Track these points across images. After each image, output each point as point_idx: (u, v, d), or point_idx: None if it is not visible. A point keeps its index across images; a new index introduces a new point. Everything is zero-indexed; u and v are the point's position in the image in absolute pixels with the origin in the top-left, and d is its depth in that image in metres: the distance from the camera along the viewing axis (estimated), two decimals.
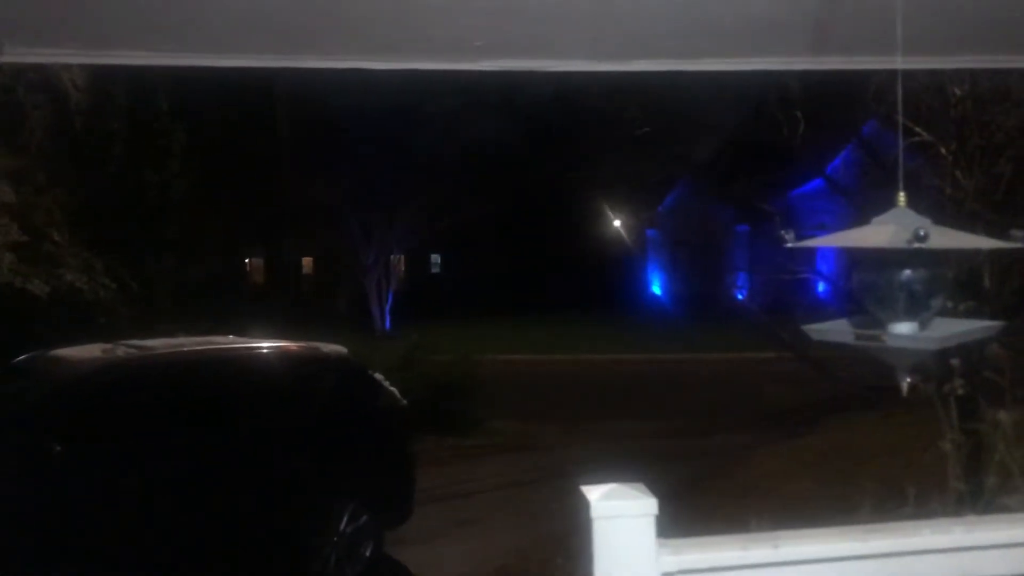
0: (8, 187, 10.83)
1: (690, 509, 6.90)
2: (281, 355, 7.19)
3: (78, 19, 2.50)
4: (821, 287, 15.07)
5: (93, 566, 5.87)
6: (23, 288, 10.61)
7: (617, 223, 30.72)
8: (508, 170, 28.56)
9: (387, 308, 27.99)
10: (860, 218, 2.12)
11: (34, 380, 6.54)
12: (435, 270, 36.18)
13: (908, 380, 2.02)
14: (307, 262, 33.47)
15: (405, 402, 7.73)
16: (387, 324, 27.57)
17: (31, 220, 11.33)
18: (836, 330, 2.09)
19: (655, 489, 1.89)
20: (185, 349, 7.11)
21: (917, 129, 6.73)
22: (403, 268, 33.22)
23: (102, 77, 12.63)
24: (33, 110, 12.06)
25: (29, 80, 11.55)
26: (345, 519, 6.87)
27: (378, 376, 7.75)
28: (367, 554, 6.94)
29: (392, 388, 7.70)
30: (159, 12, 2.48)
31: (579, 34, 2.77)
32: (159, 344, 7.18)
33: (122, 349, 6.78)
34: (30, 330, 10.21)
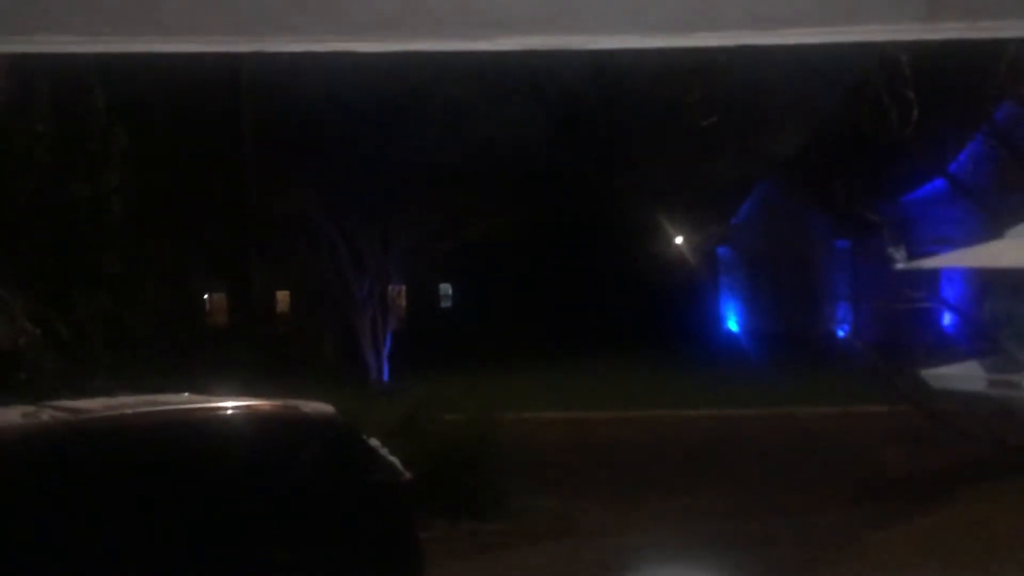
0: None
1: None
2: (249, 417, 7.23)
3: None
4: (947, 319, 14.96)
5: None
6: None
7: (679, 240, 30.71)
8: (537, 176, 28.67)
9: (385, 354, 28.06)
10: (994, 229, 2.12)
11: None
12: (445, 304, 36.30)
13: None
14: (282, 297, 33.71)
15: (409, 475, 7.74)
16: (385, 374, 27.63)
17: None
18: (965, 375, 2.08)
19: None
20: (127, 412, 7.16)
21: None
22: (404, 302, 33.35)
23: (23, 68, 12.86)
24: None
25: None
26: None
27: (374, 442, 7.77)
28: None
29: (392, 458, 7.71)
30: None
31: (623, 1, 2.79)
32: (95, 405, 7.24)
33: (48, 413, 6.84)
34: None
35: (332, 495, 7.26)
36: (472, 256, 29.72)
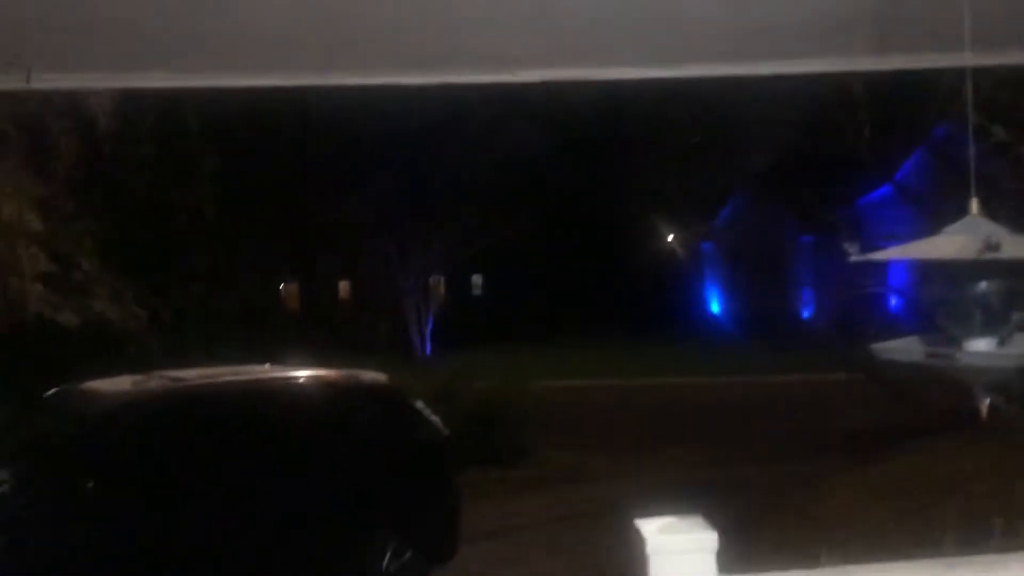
0: (36, 216, 11.13)
1: (754, 544, 6.80)
2: (318, 384, 7.27)
3: (105, 43, 2.58)
4: (893, 303, 14.83)
5: None
6: (52, 319, 10.87)
7: (670, 237, 30.59)
8: (553, 185, 28.63)
9: (427, 333, 28.13)
10: (932, 228, 2.10)
11: (65, 415, 6.68)
12: (477, 292, 36.29)
13: (988, 401, 1.98)
14: (343, 286, 33.80)
15: (447, 432, 7.75)
16: (427, 349, 27.70)
17: (59, 249, 11.63)
18: (906, 348, 2.06)
19: (715, 523, 1.88)
20: (218, 380, 7.21)
21: (994, 129, 6.62)
22: (443, 290, 33.38)
23: (130, 101, 12.94)
24: (60, 136, 12.39)
25: (56, 107, 11.89)
26: (388, 555, 6.88)
27: (419, 405, 7.78)
28: None
29: (434, 417, 7.72)
30: (187, 34, 2.55)
31: (625, 39, 2.78)
32: (191, 375, 7.30)
33: (154, 380, 6.90)
34: (60, 362, 10.44)
35: (385, 447, 7.29)
36: (499, 252, 29.70)
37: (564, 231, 31.62)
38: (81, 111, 12.08)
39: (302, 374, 7.32)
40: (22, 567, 5.62)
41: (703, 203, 30.79)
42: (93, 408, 6.54)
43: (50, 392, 7.08)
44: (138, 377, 7.02)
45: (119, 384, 6.90)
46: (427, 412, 7.73)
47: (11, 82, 2.81)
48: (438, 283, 32.51)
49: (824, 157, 16.42)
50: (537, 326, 27.97)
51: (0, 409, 9.62)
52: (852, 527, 7.28)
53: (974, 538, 5.41)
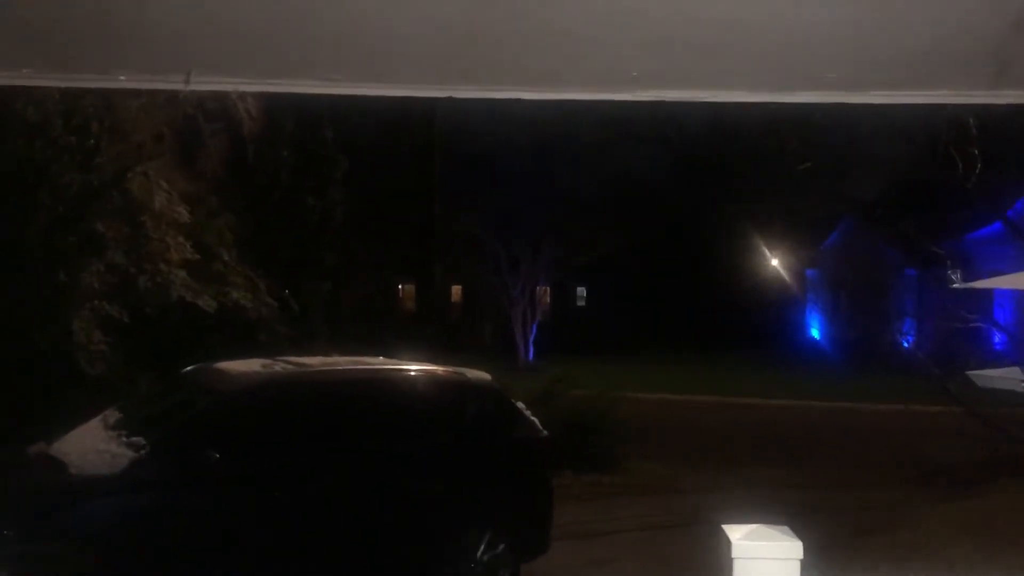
0: (184, 209, 11.67)
1: (839, 561, 6.59)
2: (428, 378, 7.40)
3: (257, 50, 2.71)
4: (996, 337, 14.12)
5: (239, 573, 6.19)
6: (193, 303, 11.36)
7: (775, 261, 29.86)
8: (660, 203, 28.36)
9: (531, 339, 28.21)
10: None
11: (198, 390, 6.97)
12: (580, 303, 36.22)
13: None
14: (456, 291, 34.24)
15: (546, 433, 7.76)
16: (530, 355, 27.77)
17: (203, 240, 12.16)
18: (1005, 377, 1.98)
19: (802, 537, 1.84)
20: (338, 368, 7.41)
21: None
22: (548, 300, 33.43)
23: (274, 107, 13.44)
24: (211, 137, 12.96)
25: (208, 110, 12.45)
26: (482, 546, 6.94)
27: (520, 405, 7.82)
28: None
29: (533, 418, 7.74)
30: (331, 44, 2.65)
31: (737, 64, 2.75)
32: (314, 362, 7.53)
33: (280, 365, 7.13)
34: (198, 343, 10.92)
35: (488, 443, 7.35)
36: (604, 266, 29.59)
37: (670, 249, 31.26)
38: (230, 114, 12.61)
39: (413, 368, 7.46)
40: (147, 529, 5.89)
41: (810, 229, 29.98)
42: (224, 385, 6.80)
43: (187, 368, 7.40)
44: (266, 361, 7.26)
45: (249, 365, 7.14)
46: (527, 413, 7.76)
47: (172, 83, 2.97)
48: (544, 292, 32.59)
49: (934, 189, 15.78)
50: (638, 340, 27.73)
51: (143, 382, 10.13)
52: (939, 556, 6.98)
53: None
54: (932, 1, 2.37)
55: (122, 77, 3.00)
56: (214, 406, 6.59)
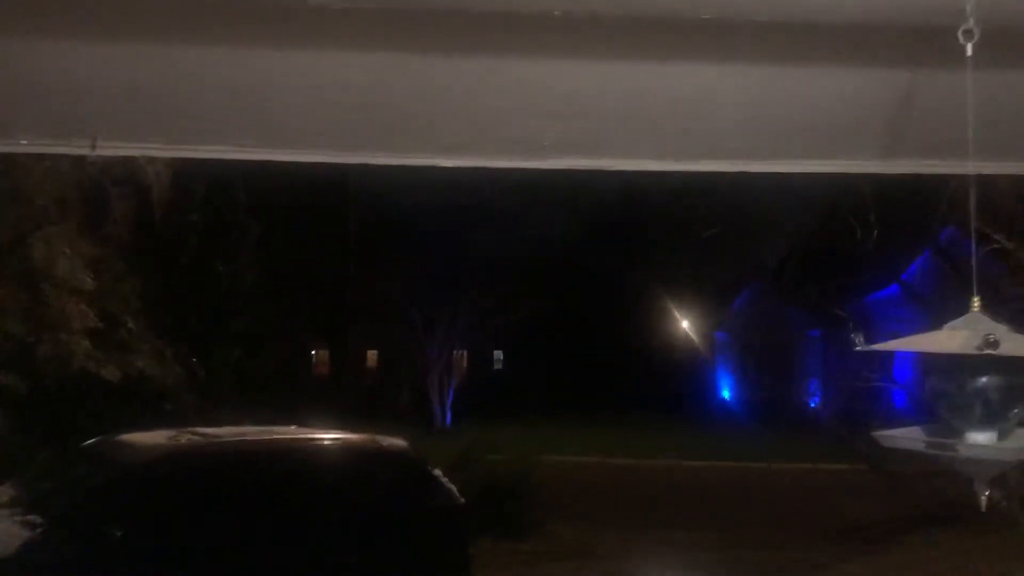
0: (88, 275, 11.30)
1: None
2: (341, 447, 7.25)
3: (166, 114, 2.66)
4: (897, 396, 14.62)
5: None
6: (96, 373, 10.94)
7: (685, 324, 30.48)
8: (574, 268, 28.76)
9: (448, 403, 27.98)
10: (936, 325, 2.09)
11: (100, 464, 6.67)
12: (498, 366, 36.18)
13: (987, 494, 1.94)
14: (371, 355, 33.84)
15: (462, 501, 7.65)
16: (447, 420, 27.51)
17: (108, 307, 11.76)
18: (908, 437, 2.03)
19: None
20: (247, 439, 7.21)
21: (997, 236, 6.61)
22: (466, 364, 33.31)
23: (185, 171, 13.21)
24: (118, 201, 12.64)
25: (114, 174, 12.16)
26: None
27: (437, 472, 7.70)
28: None
29: (450, 485, 7.64)
30: (242, 109, 2.62)
31: (642, 134, 2.83)
32: (223, 432, 7.31)
33: (187, 436, 6.91)
34: (100, 414, 10.48)
35: (402, 511, 7.21)
36: (520, 330, 29.69)
37: (583, 313, 31.62)
38: (138, 178, 12.34)
39: (326, 436, 7.31)
40: None
41: (719, 293, 30.78)
42: (128, 458, 6.54)
43: (89, 441, 7.09)
44: (172, 432, 7.03)
45: (154, 437, 6.91)
46: (444, 480, 7.65)
47: (77, 148, 2.89)
48: (461, 356, 32.47)
49: (834, 254, 16.43)
50: (554, 403, 27.75)
51: (41, 456, 9.64)
52: None
53: None
54: (826, 76, 2.48)
55: (23, 141, 2.91)
56: (117, 480, 6.31)
